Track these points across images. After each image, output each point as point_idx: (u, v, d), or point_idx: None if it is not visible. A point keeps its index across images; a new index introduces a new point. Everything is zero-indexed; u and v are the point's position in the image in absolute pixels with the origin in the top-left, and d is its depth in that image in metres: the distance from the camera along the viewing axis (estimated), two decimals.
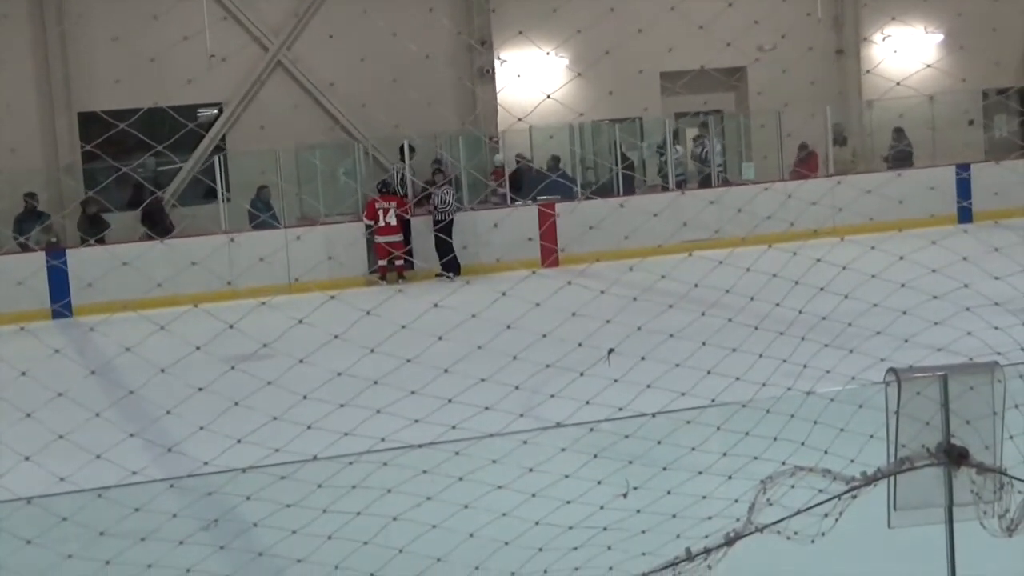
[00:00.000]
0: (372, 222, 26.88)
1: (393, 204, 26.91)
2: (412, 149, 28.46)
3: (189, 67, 28.96)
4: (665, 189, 30.87)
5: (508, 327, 8.96)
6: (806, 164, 31.71)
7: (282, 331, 9.08)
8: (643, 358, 9.62)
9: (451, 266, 26.62)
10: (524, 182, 29.73)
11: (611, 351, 9.47)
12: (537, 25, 28.63)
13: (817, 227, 11.96)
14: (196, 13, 29.63)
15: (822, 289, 9.56)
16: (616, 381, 9.42)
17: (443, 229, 26.90)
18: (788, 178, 30.52)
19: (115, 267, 16.49)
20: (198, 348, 8.69)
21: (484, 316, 9.43)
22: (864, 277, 9.79)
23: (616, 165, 30.88)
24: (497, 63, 32.26)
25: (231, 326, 9.07)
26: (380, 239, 26.83)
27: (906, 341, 10.02)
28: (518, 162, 31.12)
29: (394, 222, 26.80)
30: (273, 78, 31.65)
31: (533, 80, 27.33)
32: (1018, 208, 25.63)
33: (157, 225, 27.35)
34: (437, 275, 26.67)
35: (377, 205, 27.00)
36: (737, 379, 9.62)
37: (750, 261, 9.57)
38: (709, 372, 9.55)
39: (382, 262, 26.85)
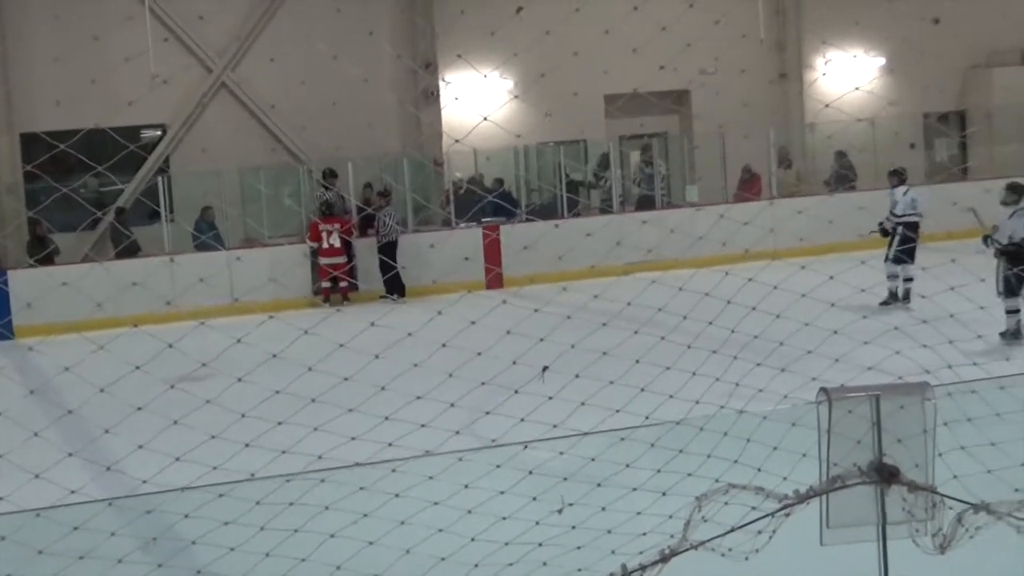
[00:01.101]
0: (316, 244, 26.88)
1: (336, 226, 26.91)
2: (334, 174, 28.49)
3: (132, 88, 28.87)
4: (605, 212, 30.99)
5: (443, 345, 9.03)
6: (749, 187, 31.87)
7: (221, 351, 9.13)
8: (577, 376, 9.72)
9: (395, 287, 26.68)
10: (469, 204, 29.81)
11: (545, 369, 9.57)
12: (480, 48, 28.75)
13: (750, 248, 12.12)
14: (139, 34, 29.54)
15: (754, 308, 9.69)
16: (551, 399, 9.52)
17: (386, 251, 26.92)
18: (731, 201, 30.69)
19: (56, 288, 16.45)
20: (137, 368, 8.72)
21: (421, 335, 9.53)
22: (795, 296, 9.92)
23: (560, 187, 31.01)
24: (442, 85, 32.33)
25: (170, 345, 9.13)
26: (324, 261, 26.81)
27: (837, 360, 10.17)
28: (463, 185, 31.19)
29: (337, 244, 26.78)
30: (217, 100, 31.57)
31: (478, 103, 27.48)
32: (959, 231, 25.85)
33: (123, 240, 27.16)
34: (382, 297, 26.69)
35: (321, 227, 26.99)
36: (671, 397, 9.73)
37: (684, 281, 9.70)
38: (643, 390, 9.66)
39: (326, 284, 26.86)
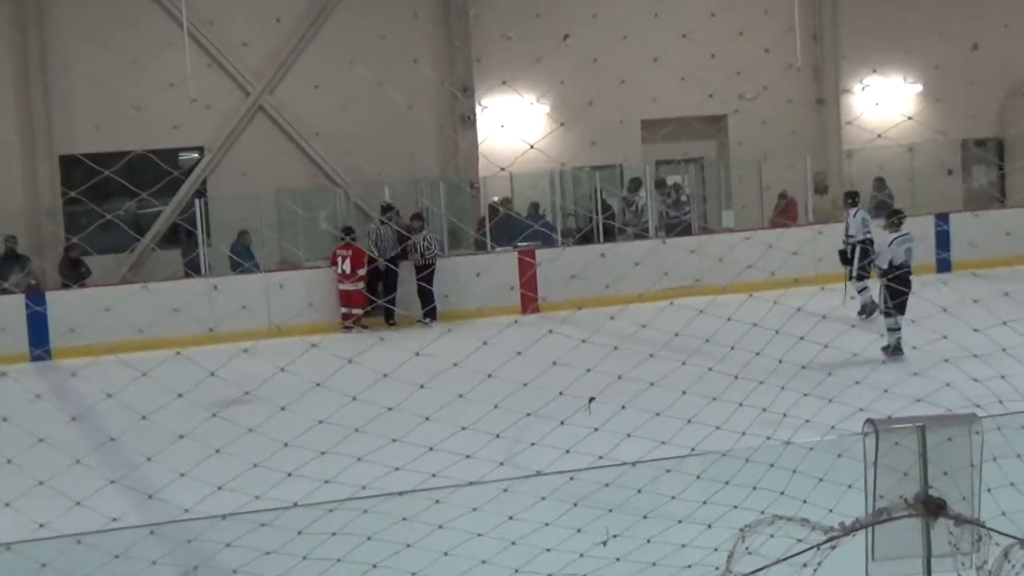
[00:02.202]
0: (335, 269, 26.87)
1: (349, 253, 26.84)
2: (391, 208, 28.24)
3: (171, 111, 28.97)
4: (640, 237, 30.87)
5: (489, 376, 8.96)
6: (786, 213, 31.75)
7: (264, 378, 9.08)
8: (624, 407, 9.62)
9: (430, 312, 26.58)
10: (505, 229, 29.72)
11: (592, 400, 9.49)
12: (520, 74, 28.73)
13: (798, 276, 12.02)
14: (178, 58, 29.66)
15: (802, 338, 9.59)
16: (596, 430, 9.44)
17: (424, 276, 26.80)
18: (768, 227, 30.58)
19: (97, 311, 16.45)
20: (180, 395, 8.67)
21: (466, 364, 9.45)
22: (844, 327, 9.83)
23: (596, 212, 30.92)
24: (479, 110, 32.33)
25: (212, 373, 9.07)
26: (340, 287, 26.80)
27: (885, 391, 10.06)
28: (498, 209, 31.13)
29: (349, 270, 26.73)
30: (255, 123, 31.66)
31: (514, 127, 27.44)
32: (998, 259, 25.75)
33: (78, 272, 27.14)
34: (419, 321, 26.57)
35: (337, 253, 26.99)
36: (717, 428, 9.65)
37: (731, 310, 9.60)
38: (689, 421, 9.56)
39: (344, 310, 26.82)
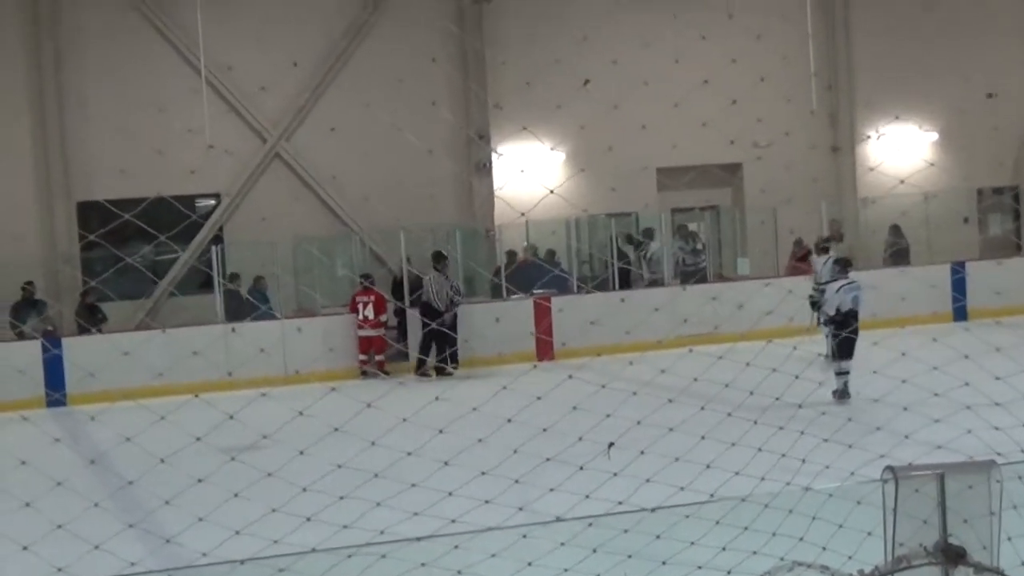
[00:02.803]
0: (355, 315, 26.82)
1: (372, 298, 26.80)
2: (443, 256, 27.94)
3: (187, 157, 29.09)
4: (655, 284, 30.84)
5: (508, 420, 8.95)
6: (802, 260, 31.74)
7: (282, 422, 9.08)
8: (642, 452, 9.61)
9: (453, 356, 26.43)
10: (523, 276, 29.72)
11: (611, 445, 9.47)
12: (539, 119, 28.76)
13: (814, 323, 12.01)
14: (196, 104, 29.75)
15: (821, 384, 9.59)
16: (616, 475, 9.42)
17: (448, 323, 26.66)
18: (784, 274, 30.55)
19: (114, 356, 16.51)
20: (198, 439, 8.68)
21: (484, 409, 9.44)
22: (865, 372, 9.80)
23: (612, 260, 30.92)
24: (494, 156, 32.37)
25: (231, 416, 9.08)
26: (360, 333, 26.74)
27: (906, 437, 10.02)
28: (515, 255, 31.08)
29: (372, 316, 26.71)
30: (271, 169, 31.72)
31: (531, 174, 27.46)
32: (1017, 307, 25.70)
33: (95, 317, 27.19)
34: (437, 368, 26.43)
35: (358, 299, 26.96)
36: (736, 473, 9.62)
37: (750, 356, 9.59)
38: (708, 466, 9.55)
39: (362, 356, 26.76)
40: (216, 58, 30.46)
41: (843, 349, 19.18)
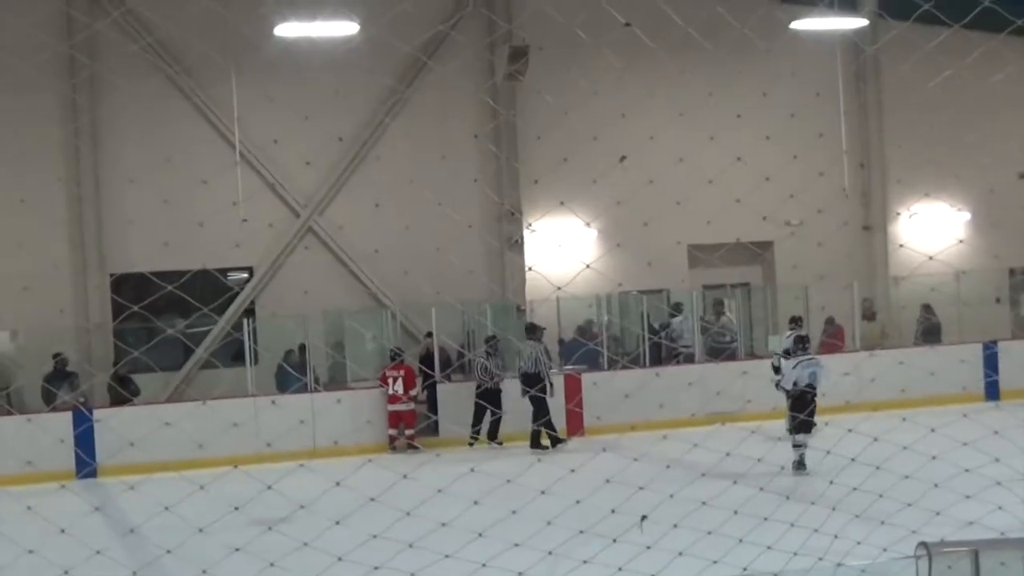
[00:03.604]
0: (386, 389, 26.82)
1: (402, 373, 26.84)
2: (537, 328, 27.80)
3: (222, 232, 29.28)
4: (686, 361, 30.76)
5: (542, 493, 9.01)
6: (834, 338, 31.74)
7: (318, 493, 9.15)
8: (676, 525, 9.65)
9: (495, 433, 26.26)
10: (562, 352, 29.75)
11: (644, 518, 9.52)
12: (572, 195, 28.82)
13: (848, 400, 12.01)
14: (230, 179, 29.92)
15: (853, 460, 9.62)
16: (649, 548, 9.46)
17: (488, 397, 26.52)
18: (818, 352, 30.50)
19: (152, 427, 16.56)
20: (236, 509, 8.76)
21: (519, 481, 9.51)
22: (895, 449, 9.84)
23: (643, 336, 30.91)
24: (526, 232, 32.47)
25: (269, 487, 9.16)
26: (390, 407, 26.71)
27: (937, 514, 10.04)
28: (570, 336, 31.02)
29: (401, 391, 26.71)
30: (303, 243, 31.90)
31: (564, 249, 27.54)
32: None
33: (128, 388, 27.29)
34: (485, 441, 26.21)
35: (387, 373, 26.98)
36: (769, 548, 9.65)
37: (781, 431, 9.66)
38: (741, 540, 9.58)
39: (392, 431, 26.74)
40: (258, 133, 30.70)
41: (801, 425, 19.31)
